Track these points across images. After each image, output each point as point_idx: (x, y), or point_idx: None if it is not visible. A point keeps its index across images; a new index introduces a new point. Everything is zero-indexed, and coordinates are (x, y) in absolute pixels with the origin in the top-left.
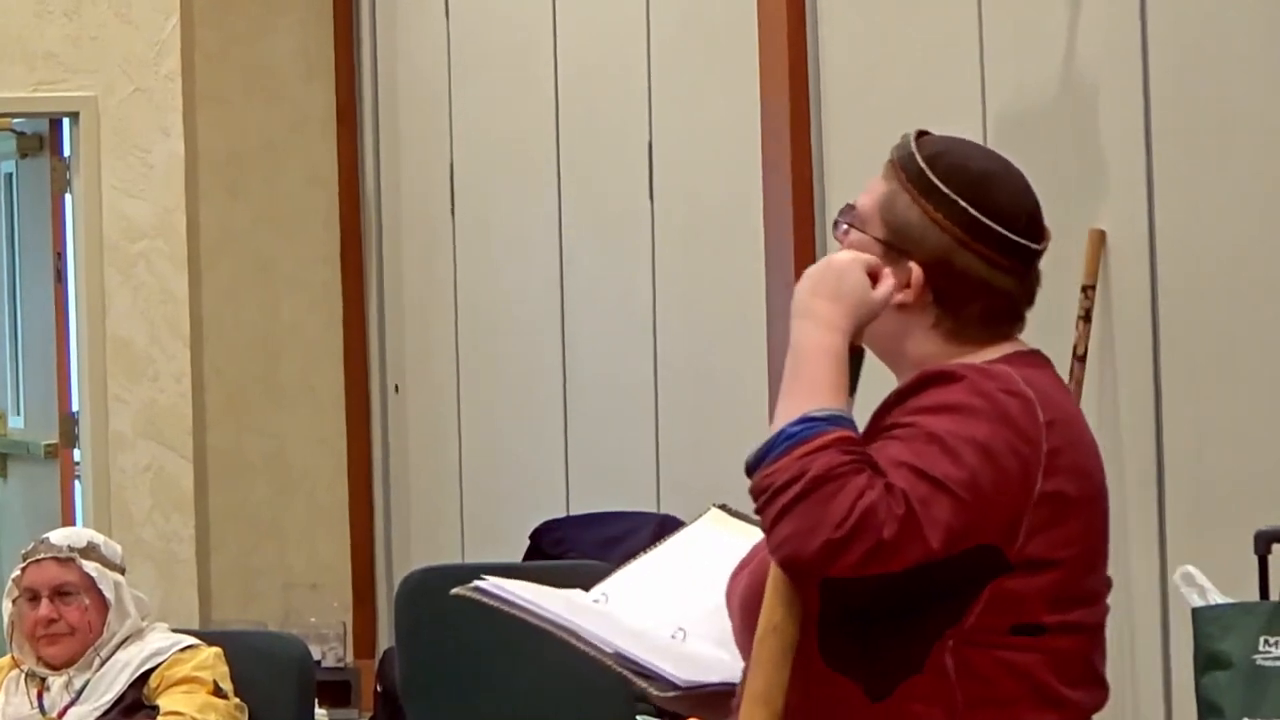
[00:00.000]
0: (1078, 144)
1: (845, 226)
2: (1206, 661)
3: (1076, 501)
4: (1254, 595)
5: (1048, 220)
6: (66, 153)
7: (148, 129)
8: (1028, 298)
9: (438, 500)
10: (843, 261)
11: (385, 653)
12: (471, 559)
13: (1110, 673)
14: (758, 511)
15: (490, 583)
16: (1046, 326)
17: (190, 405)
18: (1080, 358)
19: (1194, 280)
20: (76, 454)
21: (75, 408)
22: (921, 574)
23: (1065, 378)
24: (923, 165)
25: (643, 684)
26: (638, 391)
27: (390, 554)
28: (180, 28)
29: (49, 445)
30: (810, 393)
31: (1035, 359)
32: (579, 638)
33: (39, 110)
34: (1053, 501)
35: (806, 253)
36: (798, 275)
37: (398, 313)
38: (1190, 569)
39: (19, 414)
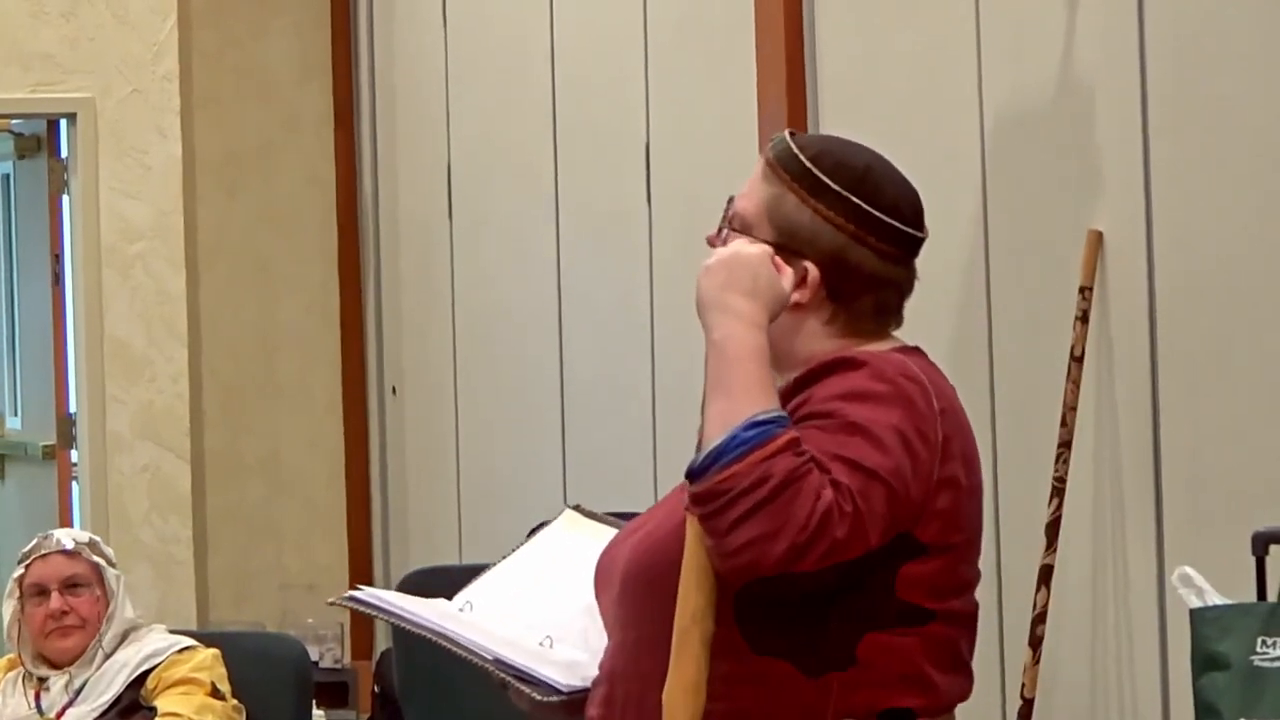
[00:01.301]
0: (1075, 145)
1: (725, 232)
2: (1204, 662)
3: (965, 490)
4: (1252, 596)
5: (1047, 221)
6: (64, 154)
7: (145, 130)
8: (910, 288)
9: (435, 501)
10: (755, 255)
11: (383, 654)
12: (469, 560)
13: (1108, 673)
14: (709, 515)
15: (366, 592)
16: (1044, 327)
17: (188, 406)
18: (1078, 359)
19: (1192, 281)
20: (74, 455)
21: (73, 409)
22: (848, 565)
23: (1063, 379)
24: (809, 165)
25: (525, 689)
26: (635, 393)
27: (388, 555)
28: (177, 29)
29: (46, 446)
30: (748, 394)
31: (920, 352)
32: (457, 644)
33: (36, 111)
34: (946, 487)
35: None
36: None
37: (395, 314)
38: (1188, 570)
39: (16, 415)
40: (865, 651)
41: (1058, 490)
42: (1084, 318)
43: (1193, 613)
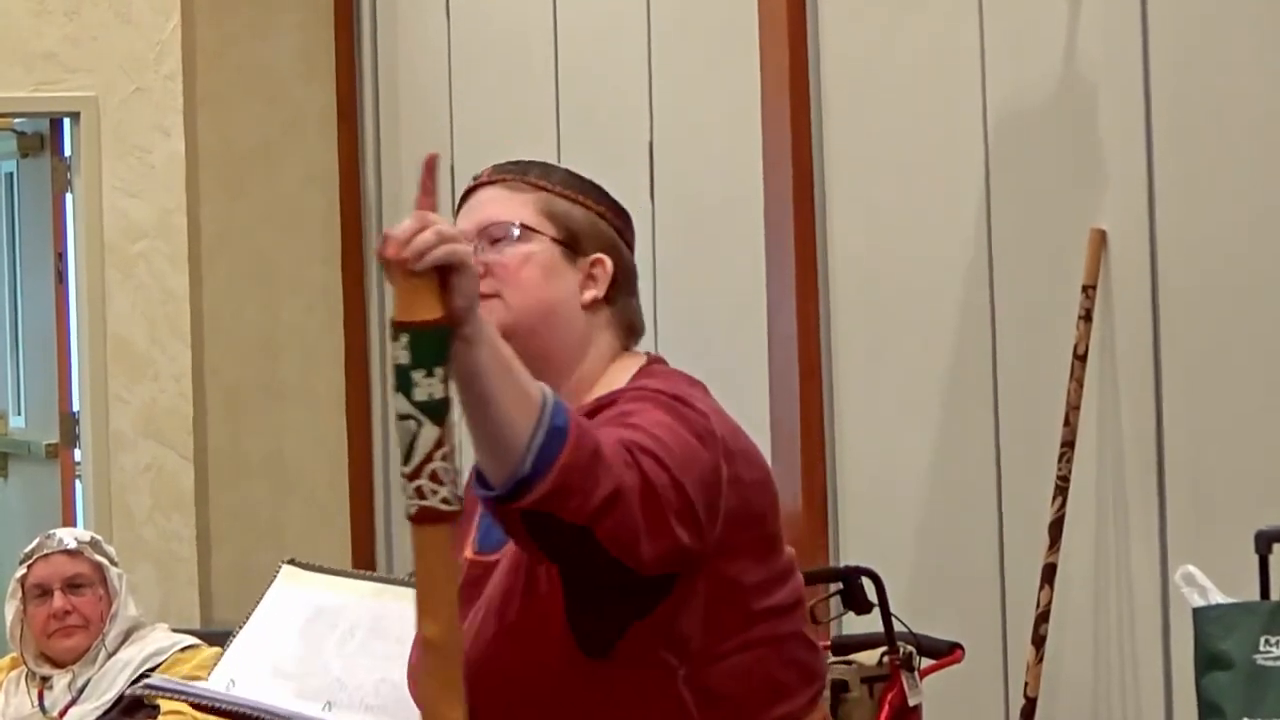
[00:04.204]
0: (1078, 143)
1: (506, 242)
2: (1207, 661)
3: (750, 485)
4: (1255, 595)
5: (1049, 219)
6: (67, 153)
7: (148, 129)
8: None
9: None
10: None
11: None
12: None
13: (1111, 672)
14: (561, 506)
15: (157, 679)
16: (1047, 326)
17: (190, 405)
18: (1081, 357)
19: (1194, 280)
20: (77, 454)
21: (76, 407)
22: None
23: (1066, 377)
24: (558, 167)
25: None
26: None
27: (391, 554)
28: (180, 28)
29: (49, 445)
30: (527, 382)
31: (662, 360)
32: (276, 715)
33: (39, 110)
34: (733, 486)
35: (808, 251)
36: (799, 274)
37: None
38: (1191, 569)
39: (19, 414)
40: (719, 687)
41: (1061, 489)
42: (1087, 316)
43: (1196, 611)
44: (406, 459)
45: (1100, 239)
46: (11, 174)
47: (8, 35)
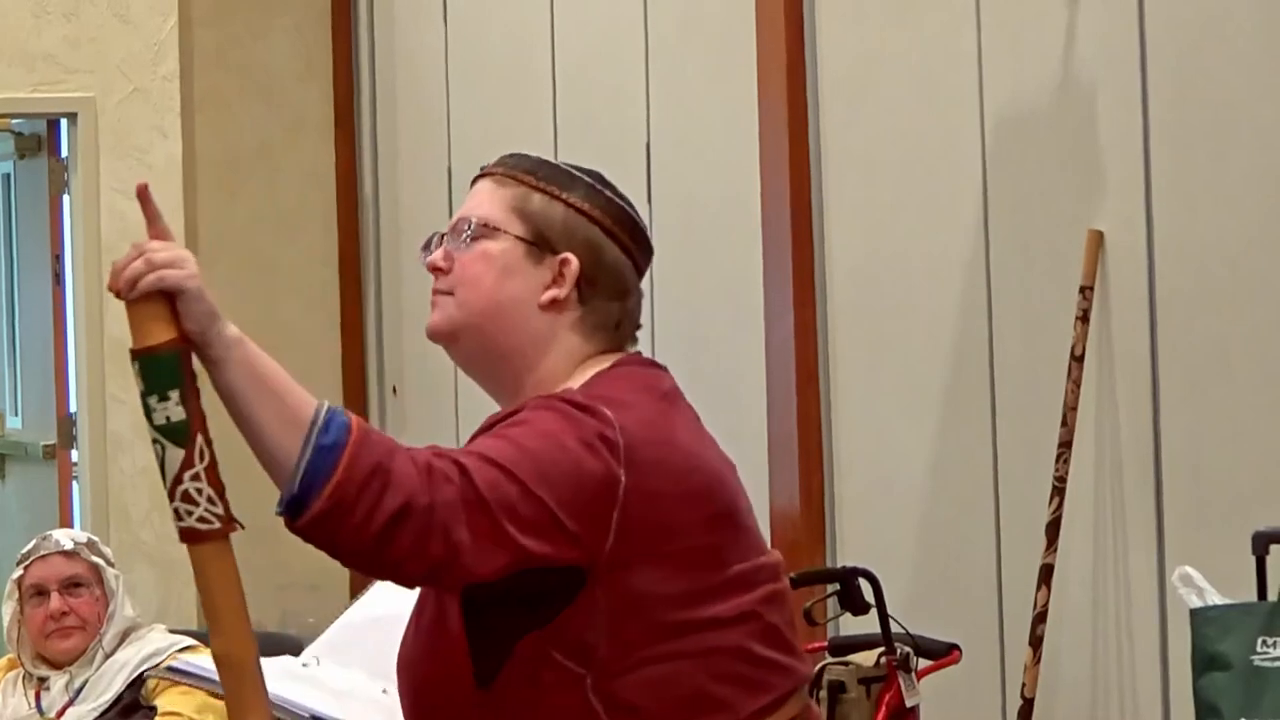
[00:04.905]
0: (1076, 144)
1: (467, 237)
2: (1205, 662)
3: (667, 497)
4: (1252, 596)
5: (1047, 220)
6: (64, 154)
7: (146, 130)
8: (640, 309)
9: None
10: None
11: None
12: None
13: (1109, 673)
14: (339, 526)
15: (181, 661)
16: (1045, 327)
17: None
18: (1078, 358)
19: (1192, 281)
20: (74, 455)
21: (73, 409)
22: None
23: (1064, 378)
24: (552, 162)
25: None
26: None
27: None
28: (178, 29)
29: (47, 446)
30: (297, 393)
31: (647, 361)
32: (273, 705)
33: (37, 111)
34: (638, 496)
35: (805, 253)
36: (796, 276)
37: (396, 314)
38: (1188, 570)
39: (17, 415)
40: (627, 697)
41: (1058, 490)
42: (1084, 317)
43: (1193, 612)
44: (164, 481)
45: (1098, 240)
46: (9, 175)
47: (6, 36)
